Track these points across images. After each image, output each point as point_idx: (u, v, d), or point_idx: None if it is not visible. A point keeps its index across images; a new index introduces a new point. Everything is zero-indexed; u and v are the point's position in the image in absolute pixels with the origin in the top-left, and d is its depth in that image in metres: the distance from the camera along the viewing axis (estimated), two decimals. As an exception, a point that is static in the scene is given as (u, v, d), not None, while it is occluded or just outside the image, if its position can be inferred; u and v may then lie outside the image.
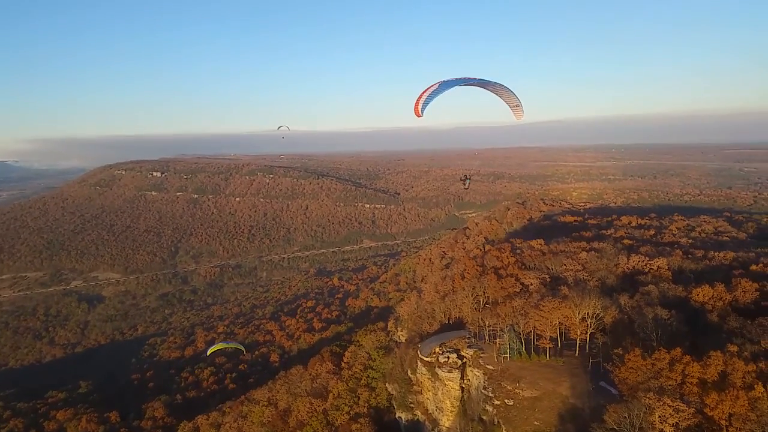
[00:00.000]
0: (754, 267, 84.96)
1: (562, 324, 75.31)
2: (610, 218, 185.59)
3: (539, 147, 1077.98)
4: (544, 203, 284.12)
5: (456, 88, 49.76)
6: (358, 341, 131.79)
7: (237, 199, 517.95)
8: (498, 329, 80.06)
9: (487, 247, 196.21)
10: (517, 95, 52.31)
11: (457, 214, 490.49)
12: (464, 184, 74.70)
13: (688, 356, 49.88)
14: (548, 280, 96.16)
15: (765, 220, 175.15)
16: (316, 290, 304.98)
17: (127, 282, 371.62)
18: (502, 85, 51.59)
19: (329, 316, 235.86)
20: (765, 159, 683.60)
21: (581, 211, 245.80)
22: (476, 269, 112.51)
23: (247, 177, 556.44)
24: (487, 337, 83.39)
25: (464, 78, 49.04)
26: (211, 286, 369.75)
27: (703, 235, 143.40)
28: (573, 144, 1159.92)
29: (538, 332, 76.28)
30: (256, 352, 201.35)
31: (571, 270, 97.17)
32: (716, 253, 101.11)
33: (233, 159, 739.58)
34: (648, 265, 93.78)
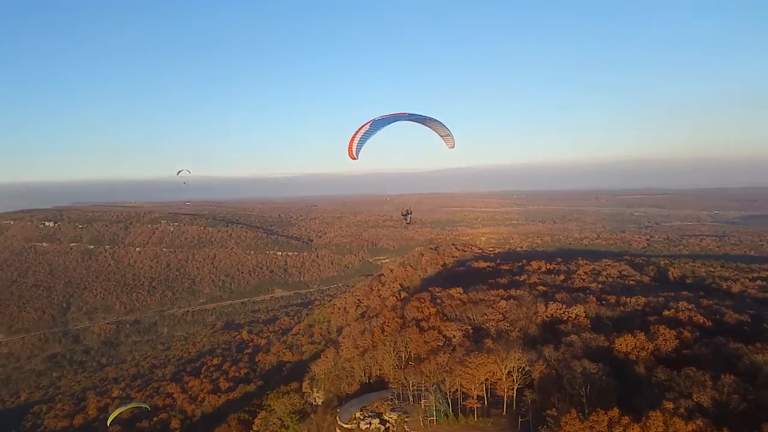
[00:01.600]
0: (666, 312, 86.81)
1: (488, 380, 72.29)
2: (521, 263, 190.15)
3: (447, 193, 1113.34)
4: (456, 248, 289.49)
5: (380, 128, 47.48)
6: (269, 405, 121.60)
7: (137, 249, 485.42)
8: (423, 389, 75.45)
9: (403, 294, 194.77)
10: (447, 126, 52.05)
11: (370, 261, 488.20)
12: (406, 219, 71.40)
13: (627, 417, 47.49)
14: (471, 331, 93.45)
15: (663, 262, 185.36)
16: (223, 345, 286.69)
17: (11, 342, 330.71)
18: (432, 118, 50.94)
19: (237, 374, 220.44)
20: (653, 204, 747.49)
21: (492, 256, 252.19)
22: (397, 321, 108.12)
23: (149, 225, 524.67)
24: (411, 398, 78.23)
25: (395, 115, 47.21)
26: (106, 344, 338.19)
27: (609, 279, 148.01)
28: (478, 190, 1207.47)
29: (465, 390, 72.60)
30: (155, 419, 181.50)
31: (493, 320, 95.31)
32: (628, 299, 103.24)
33: (134, 206, 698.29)
34: (566, 313, 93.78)
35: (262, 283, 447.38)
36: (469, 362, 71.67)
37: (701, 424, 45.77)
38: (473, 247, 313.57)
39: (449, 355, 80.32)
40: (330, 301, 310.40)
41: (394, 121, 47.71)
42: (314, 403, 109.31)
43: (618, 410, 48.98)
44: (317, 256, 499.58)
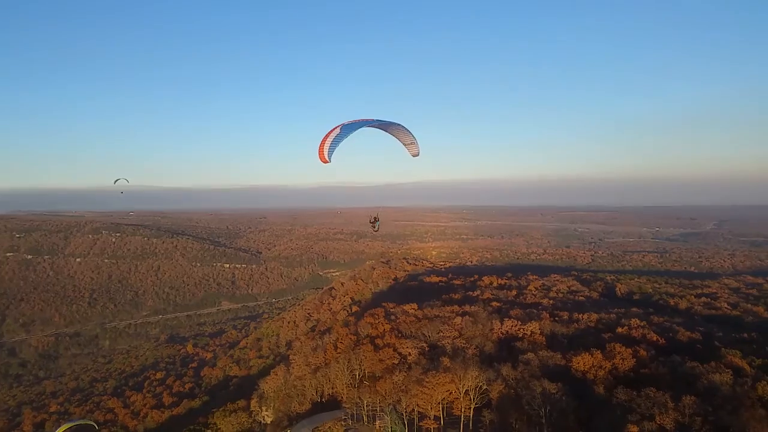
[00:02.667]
0: (620, 330, 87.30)
1: (445, 399, 70.27)
2: (473, 278, 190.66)
3: (398, 207, 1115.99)
4: (408, 263, 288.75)
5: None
6: (215, 424, 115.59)
7: (78, 259, 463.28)
8: (378, 408, 72.76)
9: (355, 308, 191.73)
10: (413, 133, 51.80)
11: (321, 274, 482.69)
12: (374, 227, 68.94)
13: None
14: (426, 348, 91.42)
15: (609, 278, 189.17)
16: (167, 359, 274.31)
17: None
18: (399, 124, 50.09)
19: (182, 389, 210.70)
20: (595, 221, 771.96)
21: (444, 270, 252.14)
22: (350, 338, 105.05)
23: (91, 236, 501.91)
24: (365, 418, 75.47)
25: (364, 120, 46.27)
26: (44, 357, 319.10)
27: (560, 294, 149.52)
28: (428, 205, 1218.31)
29: (421, 410, 70.29)
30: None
31: (449, 337, 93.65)
32: (581, 315, 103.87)
33: (75, 216, 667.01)
34: (521, 330, 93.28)
35: (209, 295, 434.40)
36: (426, 381, 69.56)
37: (665, 447, 45.04)
38: (424, 261, 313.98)
39: (405, 373, 78.03)
40: (279, 314, 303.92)
41: (363, 126, 46.31)
42: (263, 422, 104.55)
43: (581, 433, 47.78)
44: (266, 269, 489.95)
